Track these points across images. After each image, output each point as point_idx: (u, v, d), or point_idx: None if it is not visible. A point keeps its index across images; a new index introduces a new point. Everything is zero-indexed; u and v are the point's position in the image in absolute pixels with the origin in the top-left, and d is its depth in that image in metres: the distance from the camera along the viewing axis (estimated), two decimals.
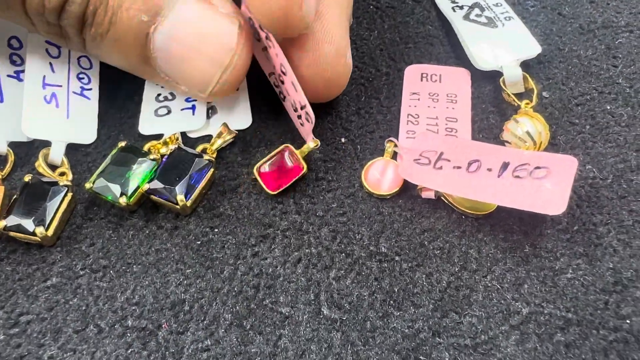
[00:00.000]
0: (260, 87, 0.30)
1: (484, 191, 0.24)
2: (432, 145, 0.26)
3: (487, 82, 0.30)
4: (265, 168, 0.26)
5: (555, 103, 0.29)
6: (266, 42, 0.26)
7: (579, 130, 0.28)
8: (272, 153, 0.26)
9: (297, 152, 0.26)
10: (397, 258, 0.25)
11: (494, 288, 0.24)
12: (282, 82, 0.27)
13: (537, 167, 0.24)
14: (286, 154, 0.26)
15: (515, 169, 0.24)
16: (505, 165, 0.24)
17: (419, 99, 0.29)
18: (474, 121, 0.28)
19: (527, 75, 0.28)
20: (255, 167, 0.26)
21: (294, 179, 0.26)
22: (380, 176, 0.26)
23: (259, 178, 0.26)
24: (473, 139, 0.28)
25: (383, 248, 0.25)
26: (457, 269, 0.24)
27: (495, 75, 0.29)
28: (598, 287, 0.24)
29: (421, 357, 0.22)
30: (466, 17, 0.31)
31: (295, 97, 0.26)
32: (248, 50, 0.26)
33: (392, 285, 0.24)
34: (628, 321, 0.23)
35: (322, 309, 0.24)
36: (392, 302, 0.24)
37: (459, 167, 0.25)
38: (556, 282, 0.24)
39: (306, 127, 0.26)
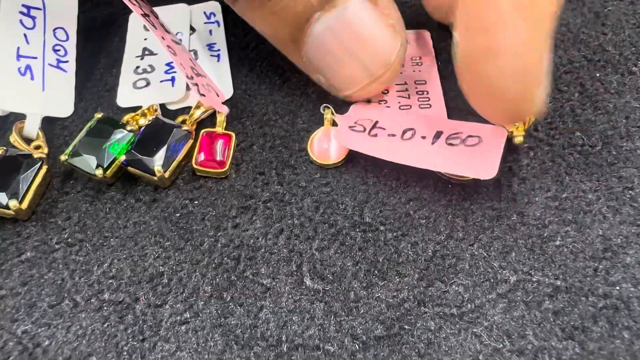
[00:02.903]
0: (241, 58, 0.30)
1: (418, 158, 0.24)
2: (367, 115, 0.26)
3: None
4: (201, 157, 0.25)
5: None
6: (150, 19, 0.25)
7: (567, 97, 0.27)
8: (197, 145, 0.26)
9: (215, 130, 0.26)
10: (381, 228, 0.24)
11: (480, 256, 0.23)
12: (174, 54, 0.26)
13: (470, 136, 0.24)
14: (209, 137, 0.26)
15: (449, 137, 0.24)
16: (438, 134, 0.24)
17: None
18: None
19: None
20: (192, 163, 0.25)
21: (232, 148, 0.26)
22: (327, 146, 0.26)
23: (202, 168, 0.25)
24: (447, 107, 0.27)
25: (367, 218, 0.24)
26: (443, 238, 0.24)
27: None
28: (587, 254, 0.23)
29: (406, 327, 0.22)
30: None
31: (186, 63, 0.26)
32: (399, 68, 0.25)
33: (377, 255, 0.23)
34: (617, 288, 0.22)
35: (305, 280, 0.23)
36: (376, 272, 0.23)
37: (393, 135, 0.25)
38: (544, 249, 0.23)
39: (210, 98, 0.26)
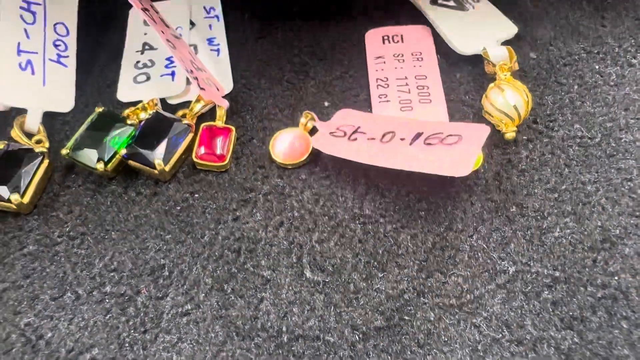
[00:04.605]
0: (241, 52, 0.30)
1: (394, 158, 0.23)
2: (350, 121, 0.26)
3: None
4: (201, 151, 0.25)
5: (542, 64, 0.28)
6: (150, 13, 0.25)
7: (567, 90, 0.27)
8: (197, 139, 0.26)
9: (216, 123, 0.26)
10: (381, 220, 0.24)
11: (480, 248, 0.23)
12: (174, 47, 0.26)
13: (450, 135, 0.23)
14: (209, 131, 0.26)
15: (428, 137, 0.24)
16: (418, 135, 0.24)
17: (384, 62, 0.28)
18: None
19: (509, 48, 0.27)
20: (193, 157, 0.25)
21: (232, 142, 0.26)
22: (289, 147, 0.26)
23: (202, 161, 0.25)
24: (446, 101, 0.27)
25: (367, 210, 0.24)
26: (442, 230, 0.24)
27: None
28: (586, 245, 0.23)
29: (405, 317, 0.22)
30: (433, 1, 0.30)
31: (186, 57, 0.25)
32: None
33: (376, 247, 0.24)
34: (616, 278, 0.22)
35: (305, 272, 0.23)
36: (376, 263, 0.23)
37: (373, 139, 0.25)
38: (543, 240, 0.23)
39: (210, 92, 0.26)
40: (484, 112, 0.26)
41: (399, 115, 0.27)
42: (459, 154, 0.22)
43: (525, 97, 0.25)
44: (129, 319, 0.22)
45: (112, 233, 0.24)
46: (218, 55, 0.29)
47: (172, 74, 0.28)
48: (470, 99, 0.27)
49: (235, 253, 0.24)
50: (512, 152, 0.26)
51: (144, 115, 0.26)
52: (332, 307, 0.22)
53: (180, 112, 0.27)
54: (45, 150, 0.26)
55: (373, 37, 0.30)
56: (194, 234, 0.24)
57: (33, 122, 0.27)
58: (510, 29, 0.28)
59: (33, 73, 0.27)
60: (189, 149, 0.26)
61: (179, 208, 0.25)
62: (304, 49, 0.30)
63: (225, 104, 0.27)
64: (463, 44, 0.28)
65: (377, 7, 0.31)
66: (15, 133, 0.26)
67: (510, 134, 0.25)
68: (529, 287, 0.22)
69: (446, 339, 0.21)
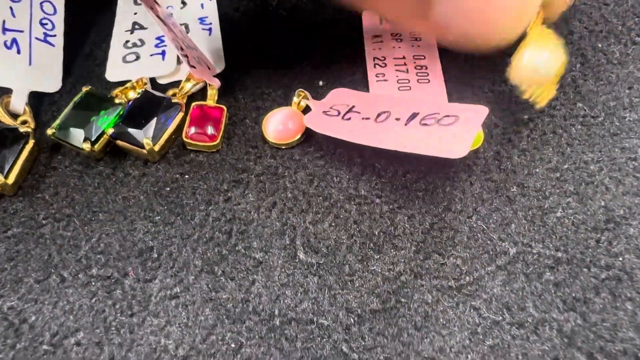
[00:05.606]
0: (233, 31, 0.29)
1: (389, 139, 0.23)
2: (345, 100, 0.25)
3: None
4: (192, 130, 0.25)
5: None
6: None
7: (569, 68, 0.27)
8: (188, 118, 0.25)
9: (207, 103, 0.26)
10: (377, 200, 0.23)
11: (479, 229, 0.23)
12: (164, 25, 0.25)
13: (446, 116, 0.22)
14: (200, 110, 0.25)
15: (424, 118, 0.23)
16: (414, 115, 0.23)
17: (382, 41, 0.28)
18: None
19: None
20: (183, 137, 0.25)
21: (223, 121, 0.25)
22: (282, 127, 0.25)
23: (193, 141, 0.25)
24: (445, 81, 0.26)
25: (363, 190, 0.24)
26: (440, 210, 0.23)
27: None
28: (589, 226, 0.22)
29: (402, 300, 0.21)
30: None
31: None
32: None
33: (372, 228, 0.23)
34: (620, 259, 0.22)
35: (298, 254, 0.22)
36: (372, 245, 0.22)
37: (367, 118, 0.24)
38: (545, 221, 0.23)
39: (200, 70, 0.25)
40: (509, 72, 0.23)
41: (397, 95, 0.26)
42: (456, 135, 0.22)
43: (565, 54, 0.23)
44: (115, 302, 0.22)
45: (100, 215, 0.24)
46: (210, 34, 0.28)
47: (163, 53, 0.27)
48: (470, 78, 0.27)
49: (226, 235, 0.23)
50: (513, 131, 0.25)
51: (132, 95, 0.26)
52: (326, 290, 0.21)
53: (170, 91, 0.26)
54: (30, 130, 0.25)
55: (370, 16, 0.29)
56: (184, 215, 0.23)
57: (19, 102, 0.26)
58: None
59: (19, 52, 0.26)
60: (179, 128, 0.25)
61: (168, 189, 0.24)
62: (299, 28, 0.29)
63: (217, 82, 0.26)
64: None
65: None
66: (0, 113, 0.25)
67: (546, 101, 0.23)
68: (531, 269, 0.21)
69: (444, 322, 0.21)
